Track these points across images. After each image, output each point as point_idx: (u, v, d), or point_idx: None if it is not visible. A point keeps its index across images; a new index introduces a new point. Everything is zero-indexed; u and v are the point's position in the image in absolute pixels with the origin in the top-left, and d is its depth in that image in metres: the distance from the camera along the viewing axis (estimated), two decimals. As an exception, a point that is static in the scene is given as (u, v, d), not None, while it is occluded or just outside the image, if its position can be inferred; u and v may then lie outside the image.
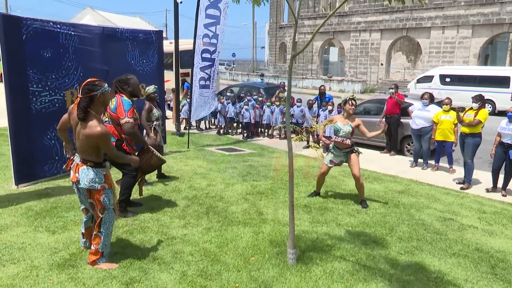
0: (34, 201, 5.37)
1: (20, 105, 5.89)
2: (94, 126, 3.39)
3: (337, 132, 5.70)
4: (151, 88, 6.45)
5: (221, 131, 11.91)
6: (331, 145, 5.87)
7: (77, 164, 3.56)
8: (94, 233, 3.67)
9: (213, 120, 12.95)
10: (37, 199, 5.47)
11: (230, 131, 12.01)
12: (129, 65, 7.53)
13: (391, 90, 9.38)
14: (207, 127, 12.89)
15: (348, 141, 5.69)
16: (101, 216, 3.60)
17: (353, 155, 5.73)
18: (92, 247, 3.68)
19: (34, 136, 6.10)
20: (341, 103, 5.79)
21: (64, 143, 4.24)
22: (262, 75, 20.42)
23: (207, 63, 9.59)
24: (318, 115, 10.42)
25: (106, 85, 3.58)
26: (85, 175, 3.49)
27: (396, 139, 9.52)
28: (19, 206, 5.18)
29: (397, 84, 9.94)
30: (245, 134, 11.38)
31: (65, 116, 3.91)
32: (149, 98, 6.44)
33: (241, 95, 12.47)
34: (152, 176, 6.55)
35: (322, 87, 11.30)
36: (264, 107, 11.39)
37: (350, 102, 5.62)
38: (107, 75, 6.90)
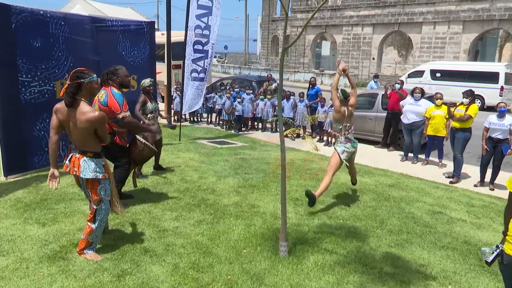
0: (23, 193, 5.31)
1: (9, 95, 5.80)
2: (90, 111, 3.39)
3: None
4: (147, 81, 6.31)
5: (227, 126, 11.67)
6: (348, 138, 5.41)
7: (76, 157, 3.53)
8: (87, 223, 3.66)
9: (206, 115, 12.79)
10: (26, 190, 5.41)
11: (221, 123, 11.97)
12: (120, 56, 7.45)
13: (397, 85, 9.27)
14: (198, 120, 12.83)
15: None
16: (95, 207, 3.59)
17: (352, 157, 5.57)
18: (83, 237, 3.68)
19: (23, 127, 6.02)
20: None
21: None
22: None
23: (199, 55, 9.42)
24: (296, 106, 10.62)
25: (95, 75, 3.57)
26: (87, 166, 3.49)
27: (396, 135, 9.51)
28: (8, 198, 5.12)
29: (403, 80, 9.95)
30: (237, 127, 11.36)
31: (53, 119, 3.52)
32: (144, 91, 6.35)
33: (229, 88, 12.37)
34: (146, 169, 6.52)
35: (312, 79, 11.38)
36: (258, 100, 11.38)
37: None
38: (98, 65, 6.82)
